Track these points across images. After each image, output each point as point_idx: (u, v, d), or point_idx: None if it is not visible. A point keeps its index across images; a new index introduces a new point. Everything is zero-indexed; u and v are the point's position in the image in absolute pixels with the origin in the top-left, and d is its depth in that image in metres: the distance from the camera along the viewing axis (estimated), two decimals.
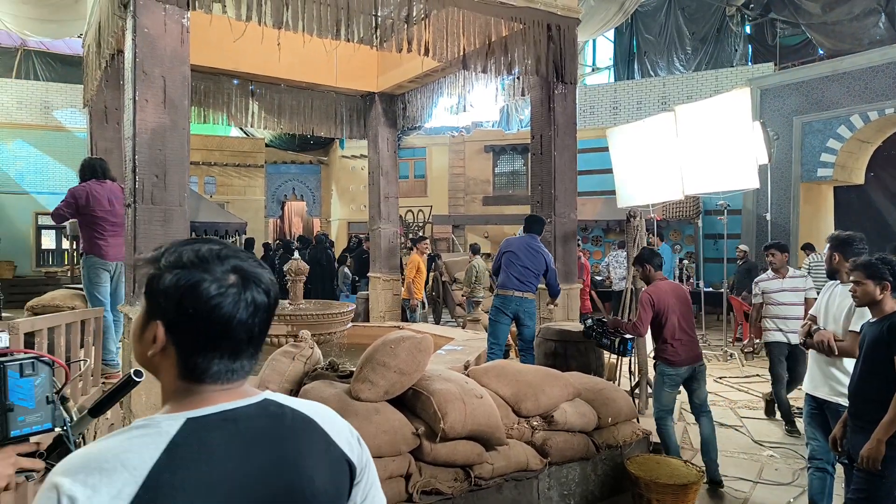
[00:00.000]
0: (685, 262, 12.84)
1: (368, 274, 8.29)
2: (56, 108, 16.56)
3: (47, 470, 1.12)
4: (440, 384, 3.21)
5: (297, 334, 5.26)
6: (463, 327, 8.28)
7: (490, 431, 3.18)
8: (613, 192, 9.15)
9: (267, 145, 18.66)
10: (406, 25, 4.41)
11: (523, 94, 6.00)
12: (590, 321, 4.47)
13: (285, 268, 5.76)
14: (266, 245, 14.87)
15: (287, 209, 21.43)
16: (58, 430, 1.08)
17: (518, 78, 5.86)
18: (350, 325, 5.88)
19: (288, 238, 18.99)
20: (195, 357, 0.86)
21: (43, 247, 16.62)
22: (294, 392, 3.41)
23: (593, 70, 18.85)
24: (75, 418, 1.12)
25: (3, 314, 6.46)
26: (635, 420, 4.03)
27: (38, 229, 16.41)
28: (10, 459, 1.06)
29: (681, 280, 11.51)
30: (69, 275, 15.51)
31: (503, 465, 3.26)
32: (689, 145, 7.32)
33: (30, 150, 16.13)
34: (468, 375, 3.68)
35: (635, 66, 16.43)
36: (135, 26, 3.49)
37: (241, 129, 17.34)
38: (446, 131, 17.46)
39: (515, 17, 5.00)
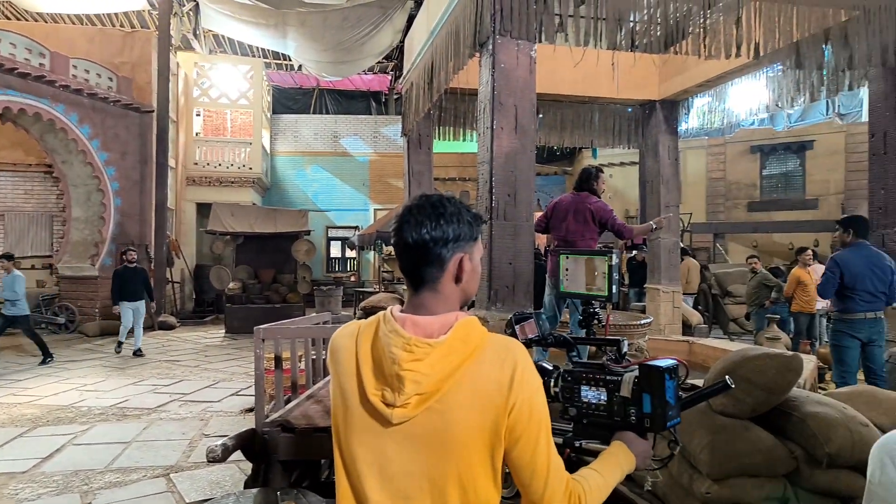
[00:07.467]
0: None
1: (646, 286, 8.13)
2: (342, 136, 19.36)
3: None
4: (815, 407, 3.00)
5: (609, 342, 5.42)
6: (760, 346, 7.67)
7: None
8: None
9: None
10: (735, 28, 4.26)
11: (851, 89, 5.37)
12: None
13: None
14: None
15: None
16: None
17: (843, 71, 5.27)
18: (647, 337, 5.83)
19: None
20: None
21: (331, 255, 19.49)
22: None
23: None
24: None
25: (343, 312, 7.77)
26: None
27: (328, 240, 19.29)
28: (652, 443, 1.29)
29: None
30: (351, 280, 17.97)
31: None
32: None
33: (323, 174, 19.08)
34: None
35: None
36: (493, 63, 3.93)
37: None
38: (702, 134, 16.35)
39: (857, 5, 4.50)
